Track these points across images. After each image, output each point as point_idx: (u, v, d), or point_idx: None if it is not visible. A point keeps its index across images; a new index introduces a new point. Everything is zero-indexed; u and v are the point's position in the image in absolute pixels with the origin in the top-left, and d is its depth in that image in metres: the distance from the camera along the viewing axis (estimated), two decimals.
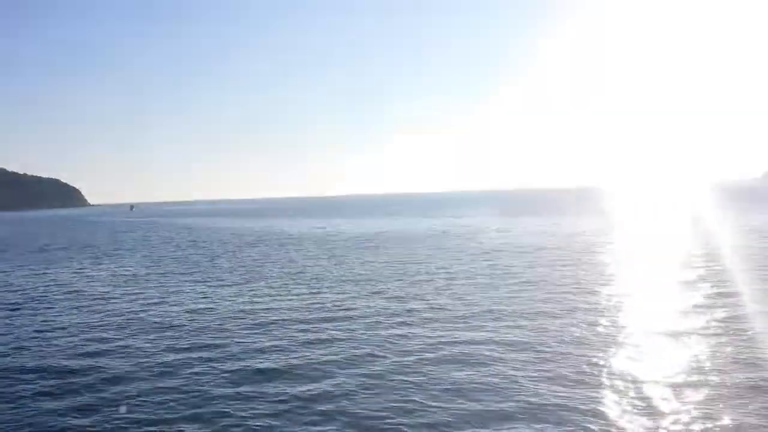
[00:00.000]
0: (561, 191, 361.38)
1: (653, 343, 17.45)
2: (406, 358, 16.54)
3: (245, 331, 20.29)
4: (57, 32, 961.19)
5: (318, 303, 24.86)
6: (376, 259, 40.34)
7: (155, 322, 22.29)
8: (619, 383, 14.08)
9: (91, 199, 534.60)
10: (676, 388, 13.70)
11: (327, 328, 20.33)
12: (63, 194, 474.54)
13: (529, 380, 14.38)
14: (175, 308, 25.03)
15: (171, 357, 17.53)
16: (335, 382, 14.85)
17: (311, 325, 20.79)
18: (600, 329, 18.96)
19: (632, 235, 51.54)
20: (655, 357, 16.16)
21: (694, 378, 14.35)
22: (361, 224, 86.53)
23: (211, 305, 25.28)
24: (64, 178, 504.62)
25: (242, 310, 23.81)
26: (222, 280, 33.10)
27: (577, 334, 18.34)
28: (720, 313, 20.44)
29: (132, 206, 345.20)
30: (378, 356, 16.80)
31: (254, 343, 18.79)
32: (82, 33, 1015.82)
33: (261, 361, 16.87)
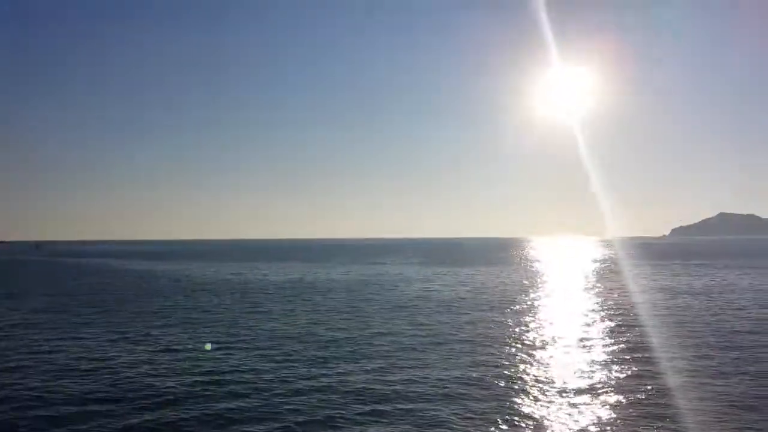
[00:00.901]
0: (476, 241, 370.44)
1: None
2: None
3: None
4: None
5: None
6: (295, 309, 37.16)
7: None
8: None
9: None
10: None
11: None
12: None
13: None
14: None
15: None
16: None
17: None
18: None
19: (556, 288, 50.82)
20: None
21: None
22: (281, 270, 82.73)
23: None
24: None
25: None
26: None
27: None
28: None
29: (37, 244, 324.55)
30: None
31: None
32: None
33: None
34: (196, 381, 18.68)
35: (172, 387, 17.98)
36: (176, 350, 23.84)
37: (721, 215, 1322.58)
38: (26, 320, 33.13)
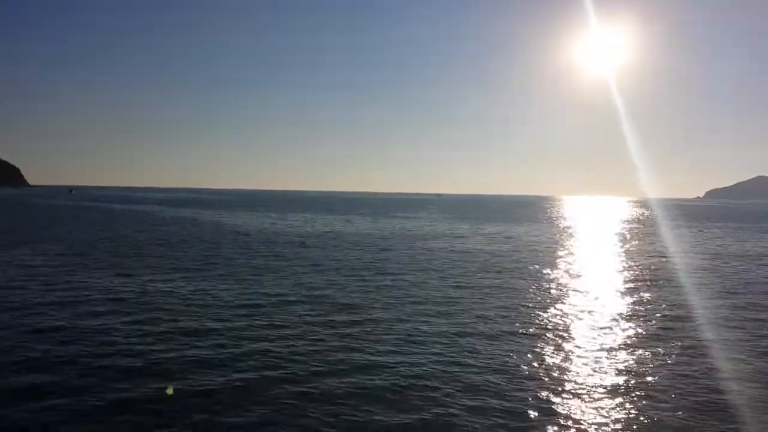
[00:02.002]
0: (507, 198, 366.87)
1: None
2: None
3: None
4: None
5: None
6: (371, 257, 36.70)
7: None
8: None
9: (31, 179, 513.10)
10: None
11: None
12: (1, 173, 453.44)
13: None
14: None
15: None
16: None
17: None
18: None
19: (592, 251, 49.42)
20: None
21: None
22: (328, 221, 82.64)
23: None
24: (4, 156, 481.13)
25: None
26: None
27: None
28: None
29: (71, 189, 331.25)
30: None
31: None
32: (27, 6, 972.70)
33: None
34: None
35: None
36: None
37: (759, 179, 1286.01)
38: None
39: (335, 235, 56.51)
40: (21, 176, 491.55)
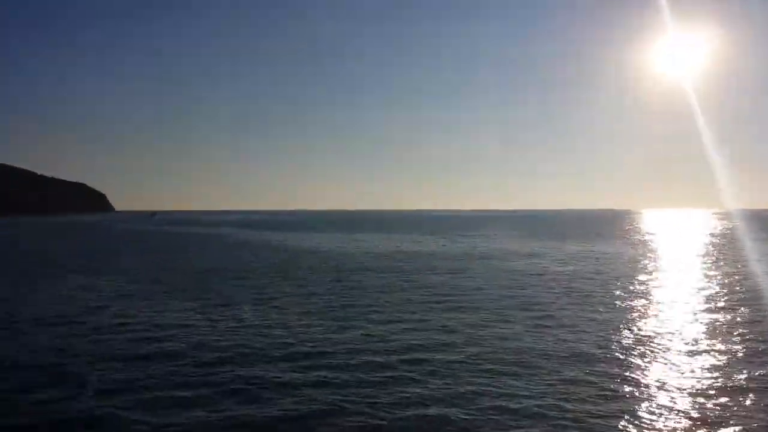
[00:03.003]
0: (580, 213, 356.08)
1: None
2: None
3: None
4: (85, 32, 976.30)
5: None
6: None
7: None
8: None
9: (117, 205, 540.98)
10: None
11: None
12: (89, 199, 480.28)
13: None
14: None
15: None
16: None
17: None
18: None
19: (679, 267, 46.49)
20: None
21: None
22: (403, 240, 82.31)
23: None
24: (91, 183, 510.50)
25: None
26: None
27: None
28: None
29: (154, 213, 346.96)
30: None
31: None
32: (113, 33, 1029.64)
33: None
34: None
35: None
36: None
37: None
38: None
39: (408, 257, 55.86)
40: (107, 202, 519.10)
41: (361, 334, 21.68)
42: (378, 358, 18.27)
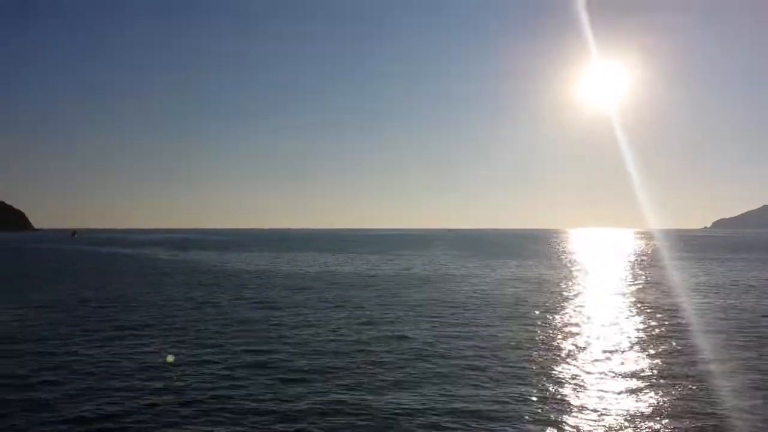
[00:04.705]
0: (508, 232, 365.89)
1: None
2: None
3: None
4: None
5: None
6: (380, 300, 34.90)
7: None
8: None
9: (36, 223, 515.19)
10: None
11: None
12: (6, 217, 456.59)
13: None
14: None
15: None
16: None
17: None
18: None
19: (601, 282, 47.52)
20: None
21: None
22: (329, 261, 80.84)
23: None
24: (9, 200, 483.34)
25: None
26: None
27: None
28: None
29: (74, 232, 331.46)
30: None
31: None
32: (26, 41, 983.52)
33: None
34: None
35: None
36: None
37: (765, 208, 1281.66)
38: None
39: (332, 276, 54.74)
40: (26, 220, 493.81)
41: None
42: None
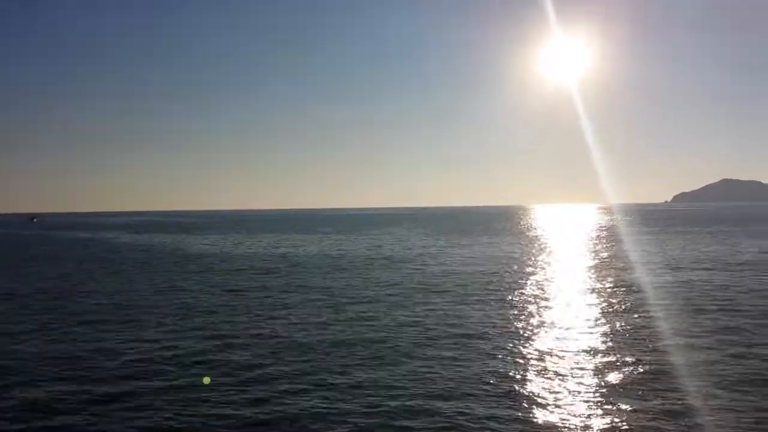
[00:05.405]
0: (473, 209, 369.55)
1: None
2: None
3: None
4: None
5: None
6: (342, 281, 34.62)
7: None
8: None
9: None
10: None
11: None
12: None
13: None
14: None
15: None
16: None
17: None
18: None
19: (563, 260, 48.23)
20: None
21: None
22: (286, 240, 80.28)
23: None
24: None
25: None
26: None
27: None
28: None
29: (33, 217, 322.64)
30: None
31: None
32: None
33: None
34: None
35: None
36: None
37: (725, 181, 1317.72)
38: None
39: (300, 259, 54.41)
40: None
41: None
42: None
